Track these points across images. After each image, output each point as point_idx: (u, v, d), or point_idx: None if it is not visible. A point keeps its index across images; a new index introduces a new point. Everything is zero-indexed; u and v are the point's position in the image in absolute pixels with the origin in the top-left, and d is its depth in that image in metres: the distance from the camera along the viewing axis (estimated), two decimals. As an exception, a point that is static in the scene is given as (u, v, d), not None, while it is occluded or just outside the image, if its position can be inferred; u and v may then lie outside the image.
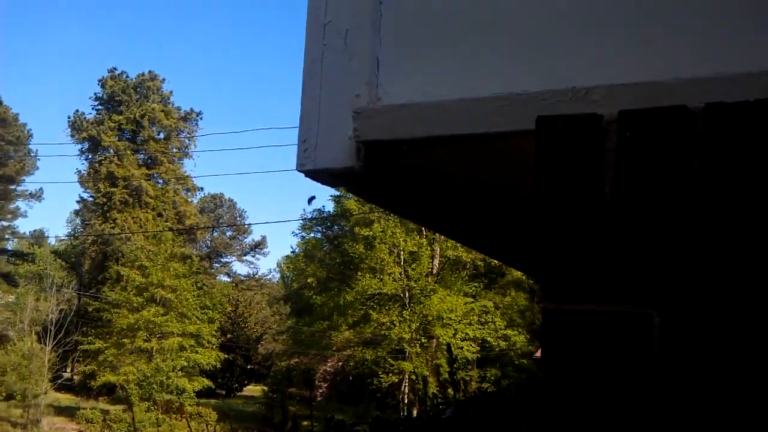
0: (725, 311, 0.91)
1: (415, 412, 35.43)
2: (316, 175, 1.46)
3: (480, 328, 30.67)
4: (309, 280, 39.77)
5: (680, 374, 0.92)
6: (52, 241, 50.36)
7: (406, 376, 32.27)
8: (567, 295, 1.01)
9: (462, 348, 29.33)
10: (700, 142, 0.95)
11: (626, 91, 1.14)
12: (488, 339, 30.99)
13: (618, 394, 0.95)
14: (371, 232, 30.80)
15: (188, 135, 46.57)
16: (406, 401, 35.40)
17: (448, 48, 1.37)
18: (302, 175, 1.46)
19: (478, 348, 31.29)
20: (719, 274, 0.93)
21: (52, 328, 37.58)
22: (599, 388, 0.97)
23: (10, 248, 48.02)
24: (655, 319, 0.95)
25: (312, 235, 41.08)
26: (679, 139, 0.97)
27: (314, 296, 37.22)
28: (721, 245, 0.92)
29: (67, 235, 50.66)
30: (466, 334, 30.07)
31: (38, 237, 51.63)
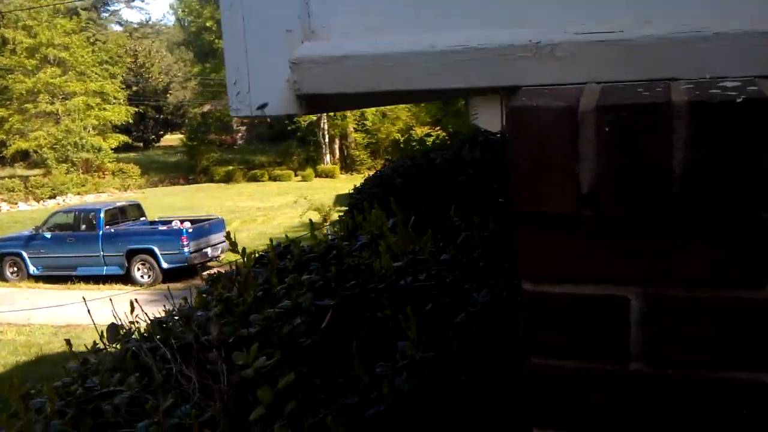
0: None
1: (337, 148, 36.34)
2: (255, 117, 1.33)
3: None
4: (208, 24, 37.68)
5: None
6: None
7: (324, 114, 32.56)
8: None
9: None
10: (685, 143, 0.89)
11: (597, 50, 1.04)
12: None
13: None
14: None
15: None
16: (326, 138, 36.08)
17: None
18: None
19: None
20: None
21: (-55, 102, 35.50)
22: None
23: None
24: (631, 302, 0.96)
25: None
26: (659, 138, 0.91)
27: (216, 40, 35.72)
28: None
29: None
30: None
31: None
